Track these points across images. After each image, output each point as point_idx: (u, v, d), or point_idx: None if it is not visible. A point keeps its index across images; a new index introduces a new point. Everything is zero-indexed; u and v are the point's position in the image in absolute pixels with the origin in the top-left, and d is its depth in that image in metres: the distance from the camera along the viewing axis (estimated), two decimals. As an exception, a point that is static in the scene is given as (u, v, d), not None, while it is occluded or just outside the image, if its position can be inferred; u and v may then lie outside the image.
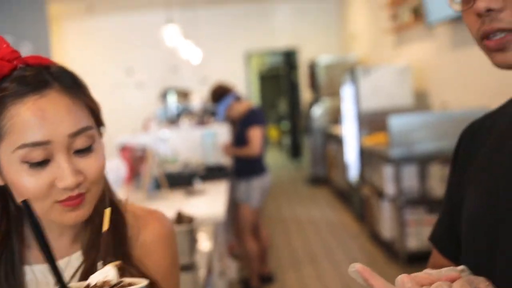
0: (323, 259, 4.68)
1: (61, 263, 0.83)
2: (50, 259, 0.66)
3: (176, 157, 4.43)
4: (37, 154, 0.74)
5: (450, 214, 0.91)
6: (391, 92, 5.39)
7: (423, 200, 4.29)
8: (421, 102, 5.36)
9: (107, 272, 0.65)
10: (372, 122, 5.38)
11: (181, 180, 3.98)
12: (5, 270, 0.79)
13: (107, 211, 0.72)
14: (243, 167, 4.14)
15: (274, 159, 11.68)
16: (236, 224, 4.18)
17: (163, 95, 6.02)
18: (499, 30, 0.71)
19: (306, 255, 4.84)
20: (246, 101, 4.59)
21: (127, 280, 0.66)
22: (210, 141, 4.63)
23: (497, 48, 0.72)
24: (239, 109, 4.21)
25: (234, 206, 4.19)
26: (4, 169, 0.77)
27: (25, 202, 0.67)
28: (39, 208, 0.75)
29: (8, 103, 0.75)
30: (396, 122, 4.36)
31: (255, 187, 4.07)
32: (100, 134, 0.84)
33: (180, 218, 2.30)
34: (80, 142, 0.78)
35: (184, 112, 5.75)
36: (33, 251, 0.83)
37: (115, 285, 0.64)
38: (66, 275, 0.83)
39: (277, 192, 7.66)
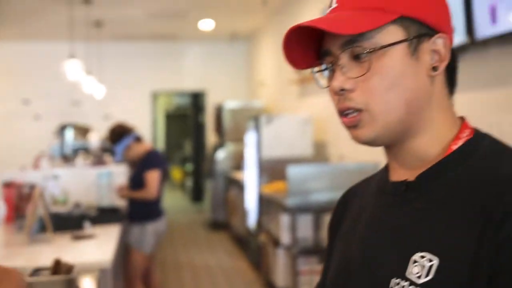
0: (217, 307, 4.59)
1: None
2: None
3: (66, 197, 4.20)
4: None
5: (325, 274, 0.95)
6: (293, 141, 5.53)
7: (316, 250, 4.36)
8: (320, 153, 5.53)
9: None
10: (273, 170, 5.46)
11: (70, 222, 3.76)
12: None
13: None
14: (137, 211, 4.01)
15: (176, 201, 11.48)
16: (127, 270, 4.00)
17: (60, 131, 5.73)
18: (350, 109, 0.76)
19: (200, 303, 4.72)
20: (145, 143, 4.49)
21: None
22: (105, 182, 4.45)
23: (351, 125, 0.78)
24: (138, 150, 4.10)
25: (126, 250, 4.02)
26: None
27: None
28: None
29: None
30: (294, 172, 4.44)
31: (149, 232, 3.94)
32: None
33: (58, 267, 2.14)
34: None
35: (81, 149, 5.52)
36: None
37: None
38: None
39: (175, 235, 7.49)
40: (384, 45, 0.74)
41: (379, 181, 0.88)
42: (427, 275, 0.69)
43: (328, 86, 0.79)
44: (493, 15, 2.57)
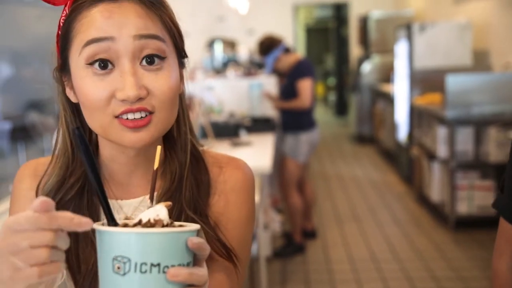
0: (367, 217, 4.59)
1: (134, 202, 0.80)
2: (99, 190, 0.60)
3: (221, 107, 4.35)
4: (100, 50, 0.71)
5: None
6: (448, 50, 5.13)
7: (476, 165, 4.11)
8: (480, 62, 5.08)
9: (158, 211, 0.59)
10: (426, 81, 5.17)
11: (226, 130, 3.92)
12: (87, 198, 0.80)
13: (159, 148, 0.65)
14: (290, 121, 4.02)
15: (319, 115, 11.47)
16: (281, 178, 4.11)
17: (210, 44, 5.88)
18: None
19: (349, 213, 4.76)
20: (294, 53, 4.42)
21: (177, 222, 0.61)
22: (257, 92, 4.53)
23: None
24: (288, 61, 4.06)
25: (280, 159, 4.12)
26: (74, 80, 0.75)
27: (77, 129, 0.61)
28: (99, 124, 0.73)
29: (83, 9, 0.73)
30: (453, 82, 4.15)
31: (303, 142, 3.96)
32: (179, 63, 0.80)
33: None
34: (147, 49, 0.72)
35: (230, 62, 5.63)
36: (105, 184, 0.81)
37: (166, 225, 0.58)
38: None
39: (321, 148, 7.54)
40: None
41: None
42: None
43: None
44: None
